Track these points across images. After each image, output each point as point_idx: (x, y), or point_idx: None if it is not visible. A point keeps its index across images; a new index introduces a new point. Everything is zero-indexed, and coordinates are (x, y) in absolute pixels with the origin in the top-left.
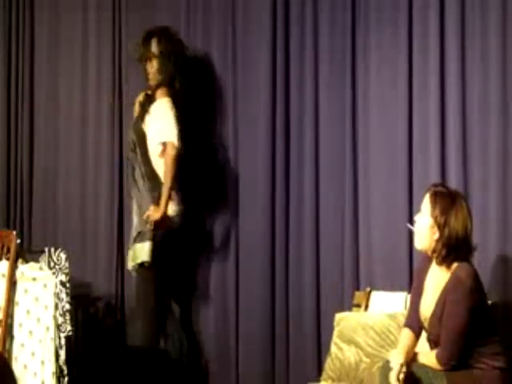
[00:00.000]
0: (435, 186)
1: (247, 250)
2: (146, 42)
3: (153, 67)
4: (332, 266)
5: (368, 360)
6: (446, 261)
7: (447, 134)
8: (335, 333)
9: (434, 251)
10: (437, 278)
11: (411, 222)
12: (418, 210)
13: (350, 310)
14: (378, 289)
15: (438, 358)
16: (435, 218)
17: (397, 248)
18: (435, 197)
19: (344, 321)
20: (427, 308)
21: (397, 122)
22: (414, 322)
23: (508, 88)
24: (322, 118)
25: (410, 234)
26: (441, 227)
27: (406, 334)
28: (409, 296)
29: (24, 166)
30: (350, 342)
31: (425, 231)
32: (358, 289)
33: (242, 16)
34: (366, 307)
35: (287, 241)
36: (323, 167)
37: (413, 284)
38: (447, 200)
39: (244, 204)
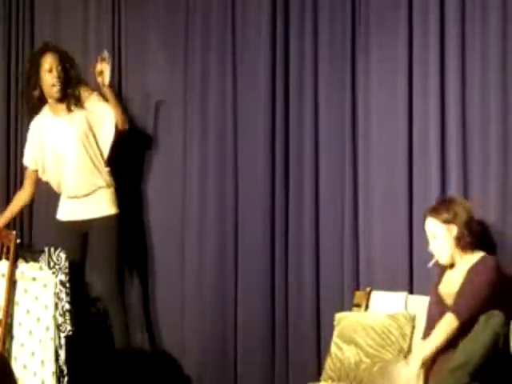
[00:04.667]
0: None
1: (247, 251)
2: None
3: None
4: (332, 266)
5: (368, 360)
6: (472, 244)
7: (447, 134)
8: (335, 333)
9: (459, 241)
10: (458, 272)
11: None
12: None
13: (350, 310)
14: (378, 289)
15: (455, 311)
16: (445, 220)
17: (397, 248)
18: (434, 211)
19: (344, 321)
20: (451, 292)
21: (397, 122)
22: None
23: (508, 88)
24: (322, 118)
25: (410, 233)
26: (454, 219)
27: None
28: (409, 296)
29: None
30: (350, 341)
31: (444, 242)
32: (357, 289)
33: (242, 16)
34: (366, 307)
35: (287, 241)
36: (323, 167)
37: (431, 299)
38: (441, 203)
39: (243, 204)
